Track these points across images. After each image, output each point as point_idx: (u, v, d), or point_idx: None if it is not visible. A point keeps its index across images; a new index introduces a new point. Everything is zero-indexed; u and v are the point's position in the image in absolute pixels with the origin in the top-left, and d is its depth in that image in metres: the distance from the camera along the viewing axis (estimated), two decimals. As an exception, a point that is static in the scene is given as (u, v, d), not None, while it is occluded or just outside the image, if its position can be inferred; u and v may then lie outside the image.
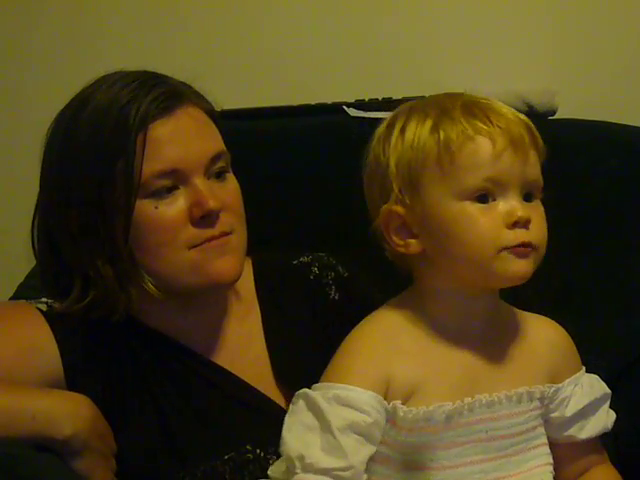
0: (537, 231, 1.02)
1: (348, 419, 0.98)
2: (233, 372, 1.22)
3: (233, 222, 1.18)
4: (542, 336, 1.10)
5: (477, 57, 1.73)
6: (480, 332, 1.06)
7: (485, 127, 1.01)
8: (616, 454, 1.20)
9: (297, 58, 1.74)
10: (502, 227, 1.00)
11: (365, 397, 0.99)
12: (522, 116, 1.04)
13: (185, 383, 1.20)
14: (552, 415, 1.08)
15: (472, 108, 1.02)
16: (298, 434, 0.98)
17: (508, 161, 1.00)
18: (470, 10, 1.72)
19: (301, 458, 0.97)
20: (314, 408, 0.99)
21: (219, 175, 1.18)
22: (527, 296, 1.38)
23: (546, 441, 1.08)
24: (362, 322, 1.08)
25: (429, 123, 1.02)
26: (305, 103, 1.63)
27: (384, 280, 1.14)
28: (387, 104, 1.55)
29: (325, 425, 0.97)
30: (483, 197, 1.00)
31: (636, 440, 1.33)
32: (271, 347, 1.25)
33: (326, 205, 1.53)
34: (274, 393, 1.21)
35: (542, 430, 1.07)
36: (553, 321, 1.13)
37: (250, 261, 1.29)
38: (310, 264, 1.32)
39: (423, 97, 1.44)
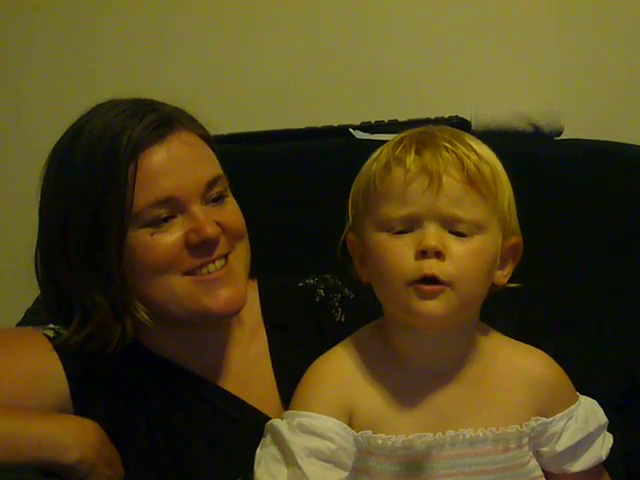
0: (455, 266, 0.97)
1: (311, 447, 0.98)
2: (240, 397, 1.21)
3: (233, 243, 1.18)
4: (526, 371, 1.06)
5: (483, 79, 1.73)
6: (450, 370, 1.04)
7: (402, 157, 0.98)
8: (627, 471, 1.19)
9: (303, 81, 1.75)
10: (411, 258, 0.97)
11: (329, 424, 1.00)
12: (463, 151, 0.98)
13: (192, 409, 1.20)
14: (541, 449, 1.06)
15: (414, 139, 1.00)
16: (266, 467, 1.00)
17: (418, 191, 0.97)
18: (476, 32, 1.73)
19: None
20: (279, 440, 1.00)
21: (217, 200, 1.17)
22: (535, 318, 1.38)
23: (541, 473, 1.05)
24: (328, 351, 1.08)
25: (375, 155, 1.03)
26: (311, 126, 1.63)
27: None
28: (393, 126, 1.55)
29: (289, 456, 0.99)
30: (402, 228, 0.98)
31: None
32: (278, 371, 1.25)
33: (333, 228, 1.53)
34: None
35: (534, 463, 1.05)
36: (544, 354, 1.09)
37: (255, 284, 1.29)
38: (316, 286, 1.31)
39: (428, 119, 1.45)
